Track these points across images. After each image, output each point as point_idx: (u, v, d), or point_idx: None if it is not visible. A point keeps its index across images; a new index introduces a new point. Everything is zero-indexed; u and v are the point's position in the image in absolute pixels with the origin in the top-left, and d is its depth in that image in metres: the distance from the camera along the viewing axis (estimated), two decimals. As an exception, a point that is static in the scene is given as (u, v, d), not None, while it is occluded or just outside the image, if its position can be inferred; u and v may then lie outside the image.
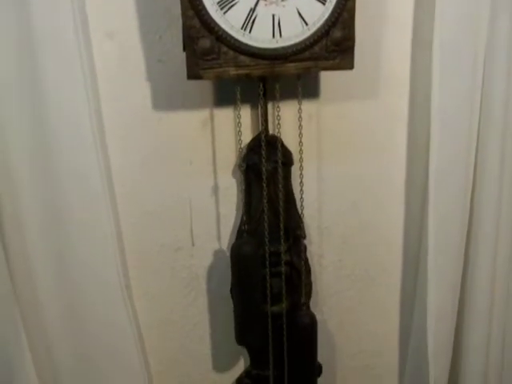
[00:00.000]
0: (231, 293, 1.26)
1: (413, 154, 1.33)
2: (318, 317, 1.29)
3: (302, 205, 1.21)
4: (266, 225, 1.18)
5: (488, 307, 1.40)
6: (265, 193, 1.17)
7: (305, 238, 1.26)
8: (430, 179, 1.24)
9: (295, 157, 1.21)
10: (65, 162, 1.11)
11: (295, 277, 1.28)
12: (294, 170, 1.22)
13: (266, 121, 1.18)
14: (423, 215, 1.32)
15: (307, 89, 1.22)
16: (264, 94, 1.14)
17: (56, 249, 1.17)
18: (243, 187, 1.20)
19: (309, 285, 1.31)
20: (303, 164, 1.19)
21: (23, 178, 1.11)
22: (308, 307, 1.29)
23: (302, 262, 1.26)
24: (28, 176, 1.11)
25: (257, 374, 1.36)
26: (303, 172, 1.20)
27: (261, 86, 1.12)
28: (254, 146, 1.20)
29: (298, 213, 1.24)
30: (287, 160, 1.21)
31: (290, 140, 1.21)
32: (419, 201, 1.34)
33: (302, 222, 1.24)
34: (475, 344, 1.44)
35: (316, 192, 1.31)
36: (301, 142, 1.18)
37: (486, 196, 1.30)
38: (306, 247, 1.28)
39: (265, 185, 1.17)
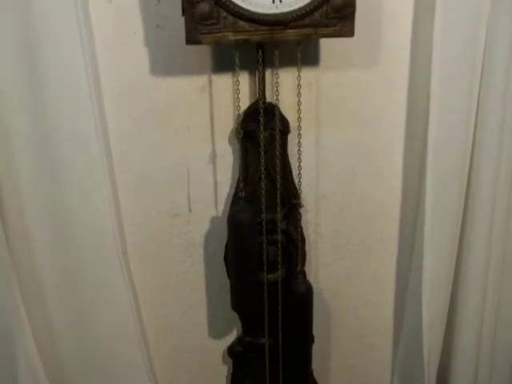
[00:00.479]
0: (225, 260, 1.27)
1: (412, 123, 1.32)
2: (314, 286, 1.29)
3: (299, 173, 1.21)
4: (263, 192, 1.18)
5: (483, 278, 1.40)
6: (262, 160, 1.17)
7: (301, 206, 1.25)
8: (429, 149, 1.24)
9: (293, 124, 1.20)
10: (63, 126, 1.11)
11: (291, 245, 1.28)
12: (293, 137, 1.22)
13: (263, 87, 1.17)
14: (421, 185, 1.32)
15: (307, 56, 1.21)
16: (263, 61, 1.13)
17: (53, 214, 1.17)
18: (240, 154, 1.20)
19: (304, 253, 1.31)
20: (301, 132, 1.19)
21: (20, 141, 1.11)
22: (304, 275, 1.29)
23: (298, 231, 1.27)
24: (25, 139, 1.11)
25: (249, 341, 1.37)
26: (301, 140, 1.19)
27: (260, 52, 1.11)
28: (250, 113, 1.19)
29: (293, 181, 1.24)
30: (284, 128, 1.20)
31: (288, 107, 1.20)
32: (417, 171, 1.34)
33: (298, 191, 1.24)
34: (470, 315, 1.44)
35: (314, 160, 1.30)
36: (299, 109, 1.17)
37: (484, 167, 1.30)
38: (301, 216, 1.27)
39: (262, 152, 1.17)
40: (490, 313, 1.46)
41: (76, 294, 1.24)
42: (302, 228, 1.28)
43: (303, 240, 1.30)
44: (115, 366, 1.32)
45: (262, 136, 1.16)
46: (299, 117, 1.18)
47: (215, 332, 1.42)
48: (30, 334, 1.26)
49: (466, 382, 1.52)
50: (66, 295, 1.24)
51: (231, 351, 1.40)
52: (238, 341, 1.39)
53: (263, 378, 1.42)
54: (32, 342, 1.27)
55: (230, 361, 1.42)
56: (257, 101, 1.18)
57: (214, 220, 1.30)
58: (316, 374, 1.45)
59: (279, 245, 1.23)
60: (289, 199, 1.25)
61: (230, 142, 1.24)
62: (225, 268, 1.28)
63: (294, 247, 1.28)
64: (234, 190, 1.24)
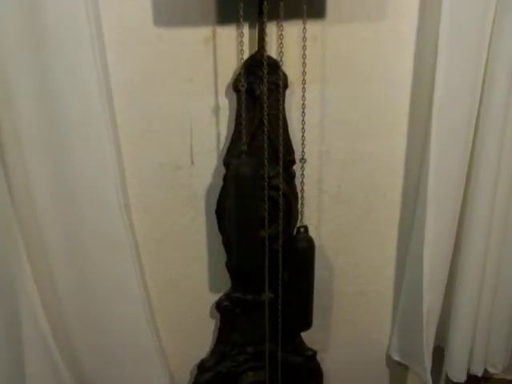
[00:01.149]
0: (216, 214, 1.27)
1: (418, 80, 1.30)
2: (316, 241, 1.29)
3: (303, 128, 1.20)
4: (265, 146, 1.17)
5: (486, 236, 1.40)
6: (259, 114, 1.17)
7: (304, 162, 1.24)
8: (435, 106, 1.22)
9: (298, 79, 1.19)
10: (64, 78, 1.09)
11: (288, 201, 1.28)
12: (297, 92, 1.21)
13: (262, 40, 1.14)
14: (426, 143, 1.31)
15: (312, 8, 1.18)
16: (267, 12, 1.10)
17: (54, 166, 1.17)
18: (237, 107, 1.19)
19: (296, 210, 1.31)
20: (306, 86, 1.18)
21: (22, 93, 1.10)
22: (306, 231, 1.29)
23: (295, 188, 1.27)
24: (26, 90, 1.10)
25: (237, 297, 1.38)
26: (305, 94, 1.18)
27: (264, 3, 1.09)
28: (249, 66, 1.17)
29: (289, 138, 1.24)
30: (282, 82, 1.18)
31: (293, 61, 1.19)
32: (422, 128, 1.32)
33: (302, 146, 1.22)
34: (471, 274, 1.45)
35: (318, 116, 1.29)
36: (304, 63, 1.16)
37: (490, 125, 1.29)
38: (295, 173, 1.27)
39: (259, 106, 1.16)
40: (491, 271, 1.47)
41: (77, 246, 1.24)
42: (303, 184, 1.27)
43: (296, 196, 1.29)
44: (117, 318, 1.33)
45: (258, 90, 1.15)
46: (304, 71, 1.17)
47: (216, 286, 1.43)
48: (34, 287, 1.27)
49: (464, 342, 1.54)
50: (67, 248, 1.24)
51: (219, 306, 1.40)
52: (226, 296, 1.39)
53: (249, 332, 1.44)
54: (36, 295, 1.28)
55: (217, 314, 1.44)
56: (256, 54, 1.16)
57: (216, 173, 1.29)
58: (315, 329, 1.46)
59: (280, 200, 1.23)
60: (289, 154, 1.25)
61: (233, 94, 1.22)
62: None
63: (294, 202, 1.28)
64: (235, 144, 1.23)
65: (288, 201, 1.28)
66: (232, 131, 1.22)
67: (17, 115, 1.11)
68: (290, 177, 1.27)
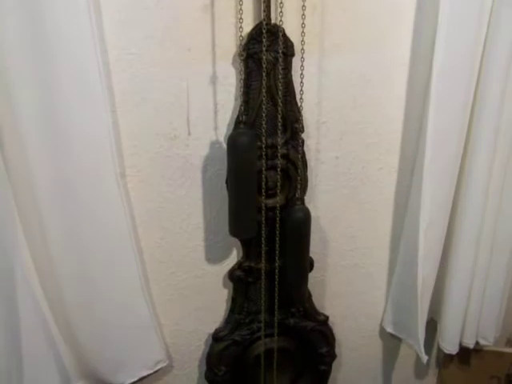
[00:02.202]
0: (226, 184, 1.26)
1: (417, 52, 1.29)
2: (312, 213, 1.29)
3: (301, 98, 1.19)
4: (264, 115, 1.17)
5: (480, 212, 1.41)
6: (264, 83, 1.15)
7: (303, 131, 1.24)
8: (433, 78, 1.22)
9: (297, 48, 1.18)
10: (61, 45, 1.07)
11: (291, 171, 1.28)
12: (295, 62, 1.19)
13: (268, 8, 1.13)
14: (423, 115, 1.30)
15: (312, -23, 1.17)
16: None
17: (50, 135, 1.14)
18: (242, 77, 1.18)
19: (304, 180, 1.31)
20: (304, 56, 1.17)
21: (19, 78, 1.08)
22: (303, 202, 1.29)
23: (299, 156, 1.26)
24: (23, 69, 1.08)
25: (248, 266, 1.39)
26: (304, 64, 1.17)
27: (264, -31, 1.08)
28: (255, 35, 1.15)
29: (297, 106, 1.22)
30: (288, 50, 1.18)
31: (292, 31, 1.17)
32: (420, 101, 1.32)
33: (301, 116, 1.22)
34: (465, 248, 1.46)
35: (316, 86, 1.28)
36: (303, 32, 1.15)
37: (489, 96, 1.28)
38: (303, 141, 1.26)
39: (264, 75, 1.15)
40: (485, 246, 1.48)
41: (73, 213, 1.22)
42: (304, 153, 1.27)
43: (305, 165, 1.30)
44: (113, 289, 1.32)
45: (264, 58, 1.13)
46: (303, 40, 1.15)
47: (212, 257, 1.43)
48: (26, 249, 1.26)
49: (457, 315, 1.55)
50: (62, 215, 1.22)
51: (232, 275, 1.41)
52: (239, 265, 1.40)
53: (262, 301, 1.45)
54: (29, 259, 1.27)
55: (230, 284, 1.45)
56: (261, 22, 1.14)
57: (213, 144, 1.28)
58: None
59: (279, 170, 1.23)
60: (290, 124, 1.23)
61: (231, 64, 1.21)
62: (224, 192, 1.27)
63: (294, 173, 1.27)
64: (234, 114, 1.22)
65: (297, 169, 1.28)
66: (230, 101, 1.21)
67: (10, 78, 1.09)
68: (298, 145, 1.26)
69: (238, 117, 1.20)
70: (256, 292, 1.44)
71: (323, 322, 1.53)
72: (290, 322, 1.48)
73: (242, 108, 1.16)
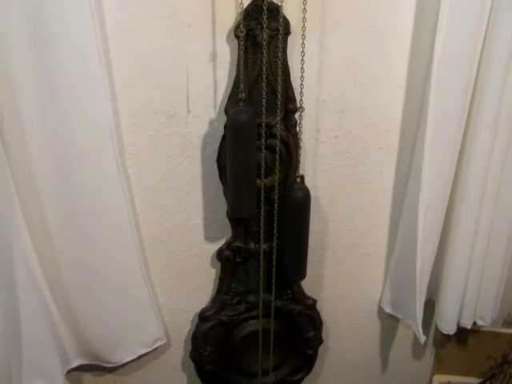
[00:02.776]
0: (217, 163, 1.26)
1: (419, 31, 1.28)
2: (311, 192, 1.29)
3: (302, 75, 1.19)
4: (263, 93, 1.16)
5: (480, 193, 1.41)
6: (260, 61, 1.15)
7: (302, 111, 1.23)
8: (435, 59, 1.21)
9: (298, 26, 1.17)
10: (59, 22, 1.06)
11: (289, 150, 1.27)
12: (296, 40, 1.19)
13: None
14: (425, 95, 1.30)
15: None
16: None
17: (48, 111, 1.13)
18: (238, 54, 1.16)
19: (296, 160, 1.30)
20: (305, 34, 1.16)
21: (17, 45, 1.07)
22: (302, 181, 1.29)
23: (296, 136, 1.25)
24: (21, 43, 1.07)
25: (237, 246, 1.38)
26: (305, 42, 1.16)
27: None
28: (251, 11, 1.14)
29: (291, 85, 1.22)
30: (285, 29, 1.16)
31: (292, 8, 1.16)
32: (422, 80, 1.31)
33: (300, 94, 1.21)
34: (464, 229, 1.46)
35: (317, 64, 1.27)
36: (304, 9, 1.14)
37: (491, 78, 1.27)
38: (296, 122, 1.26)
39: (261, 53, 1.14)
40: (484, 226, 1.48)
41: (71, 191, 1.22)
42: (300, 133, 1.27)
43: (298, 146, 1.29)
44: (112, 268, 1.32)
45: (260, 36, 1.13)
46: (304, 17, 1.14)
47: (210, 235, 1.42)
48: (25, 230, 1.25)
49: (455, 295, 1.56)
50: (61, 193, 1.21)
51: (220, 255, 1.41)
52: (227, 245, 1.40)
53: (250, 282, 1.45)
54: (28, 240, 1.27)
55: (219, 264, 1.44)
56: (257, -1, 1.13)
57: (212, 122, 1.27)
58: (309, 280, 1.47)
59: (277, 149, 1.23)
60: (285, 104, 1.23)
61: (232, 41, 1.19)
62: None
63: (293, 151, 1.27)
64: (234, 92, 1.21)
65: (289, 149, 1.27)
66: (232, 79, 1.20)
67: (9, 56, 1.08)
68: (291, 125, 1.25)
69: (234, 94, 1.19)
70: (243, 273, 1.44)
71: (311, 305, 1.53)
72: (278, 305, 1.47)
73: (241, 85, 1.15)
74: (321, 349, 1.64)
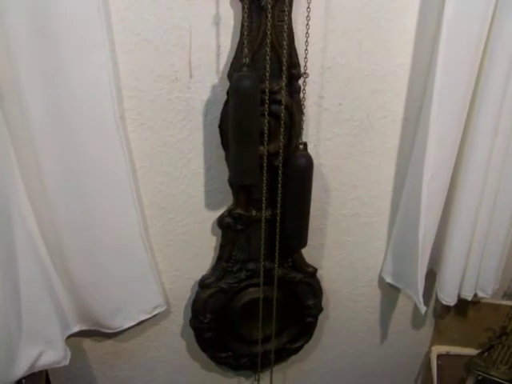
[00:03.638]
0: (219, 128, 1.25)
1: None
2: (314, 160, 1.28)
3: (306, 41, 1.16)
4: (267, 58, 1.14)
5: (484, 165, 1.40)
6: (264, 26, 1.13)
7: (306, 77, 1.21)
8: (444, 24, 1.18)
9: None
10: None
11: (292, 117, 1.25)
12: (302, 4, 1.16)
13: None
14: (431, 63, 1.28)
15: None
16: None
17: (48, 76, 1.12)
18: (242, 17, 1.13)
19: (299, 127, 1.28)
20: (311, -4, 1.14)
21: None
22: (305, 148, 1.27)
23: (299, 102, 1.23)
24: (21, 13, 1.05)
25: (238, 213, 1.38)
26: (310, 5, 1.14)
27: None
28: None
29: (295, 50, 1.20)
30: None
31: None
32: (429, 47, 1.29)
33: (304, 60, 1.19)
34: (467, 201, 1.45)
35: (322, 30, 1.24)
36: (310, -28, 1.12)
37: (499, 48, 1.25)
38: (300, 87, 1.24)
39: (266, 16, 1.12)
40: (488, 198, 1.47)
41: (71, 155, 1.20)
42: (304, 100, 1.25)
43: (301, 112, 1.26)
44: (112, 233, 1.32)
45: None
46: (310, -21, 1.12)
47: (211, 202, 1.41)
48: (24, 193, 1.24)
49: (457, 266, 1.55)
50: (61, 158, 1.20)
51: (221, 222, 1.40)
52: (228, 212, 1.39)
53: (251, 249, 1.45)
54: (27, 203, 1.26)
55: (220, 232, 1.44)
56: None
57: (215, 87, 1.25)
58: (311, 248, 1.47)
59: (282, 115, 1.21)
60: (288, 69, 1.20)
61: (236, 4, 1.16)
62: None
63: (297, 117, 1.25)
64: (237, 57, 1.19)
65: (292, 116, 1.25)
66: (236, 44, 1.17)
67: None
68: (294, 92, 1.23)
69: (237, 59, 1.17)
70: (244, 240, 1.43)
71: (312, 274, 1.53)
72: (279, 272, 1.47)
73: (246, 50, 1.13)
74: (321, 317, 1.64)
